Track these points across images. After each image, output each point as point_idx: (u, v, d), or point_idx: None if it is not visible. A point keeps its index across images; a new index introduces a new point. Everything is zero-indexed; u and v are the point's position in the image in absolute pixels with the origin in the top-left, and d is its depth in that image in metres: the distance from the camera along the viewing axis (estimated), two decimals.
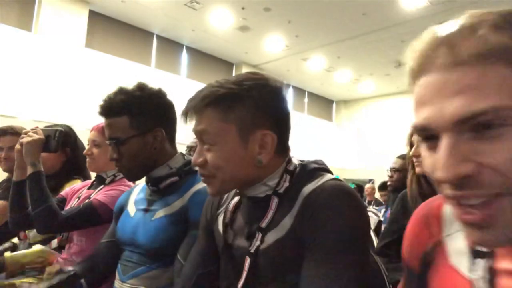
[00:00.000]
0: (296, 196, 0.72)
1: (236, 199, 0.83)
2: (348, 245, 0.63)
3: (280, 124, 0.75)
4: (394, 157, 2.56)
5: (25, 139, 1.33)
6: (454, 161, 0.37)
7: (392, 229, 1.55)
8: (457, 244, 0.52)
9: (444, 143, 0.38)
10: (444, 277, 0.51)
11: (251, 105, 0.72)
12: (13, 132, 1.88)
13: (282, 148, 0.77)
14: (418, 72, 0.41)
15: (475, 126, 0.36)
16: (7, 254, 1.49)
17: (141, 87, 1.10)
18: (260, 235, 0.72)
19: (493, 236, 0.38)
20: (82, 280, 0.97)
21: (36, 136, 1.35)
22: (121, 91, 1.09)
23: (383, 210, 3.34)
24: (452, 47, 0.38)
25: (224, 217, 0.82)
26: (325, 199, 0.66)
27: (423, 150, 0.43)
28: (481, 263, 0.46)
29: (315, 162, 0.79)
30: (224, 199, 0.89)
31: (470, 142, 0.37)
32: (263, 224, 0.73)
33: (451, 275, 0.50)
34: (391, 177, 2.48)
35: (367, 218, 0.71)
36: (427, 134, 0.41)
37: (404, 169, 2.42)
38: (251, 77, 0.74)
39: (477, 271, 0.46)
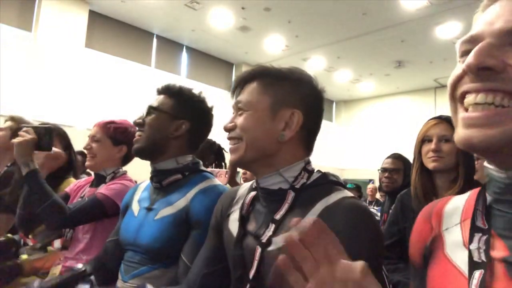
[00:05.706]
0: (310, 204, 0.74)
1: (253, 193, 0.86)
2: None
3: (309, 115, 0.82)
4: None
5: (17, 140, 1.32)
6: (484, 52, 0.44)
7: (392, 231, 1.55)
8: (453, 237, 0.54)
9: (482, 42, 0.45)
10: (439, 267, 0.54)
11: (289, 86, 0.82)
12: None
13: (307, 143, 0.84)
14: (487, 5, 0.51)
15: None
16: (24, 257, 1.47)
17: (195, 91, 1.22)
18: (273, 226, 0.75)
19: (490, 136, 0.44)
20: (92, 277, 0.99)
21: (28, 136, 1.33)
22: (180, 85, 1.21)
23: None
24: None
25: (241, 209, 0.85)
26: (345, 218, 0.68)
27: (460, 65, 0.50)
28: (478, 236, 0.50)
29: (333, 175, 0.83)
30: (236, 199, 0.91)
31: (504, 48, 0.44)
32: (277, 216, 0.76)
33: (446, 265, 0.52)
34: (389, 177, 2.41)
35: (382, 235, 0.74)
36: (471, 47, 0.48)
37: (401, 169, 2.42)
38: (300, 69, 0.86)
39: (474, 243, 0.49)
